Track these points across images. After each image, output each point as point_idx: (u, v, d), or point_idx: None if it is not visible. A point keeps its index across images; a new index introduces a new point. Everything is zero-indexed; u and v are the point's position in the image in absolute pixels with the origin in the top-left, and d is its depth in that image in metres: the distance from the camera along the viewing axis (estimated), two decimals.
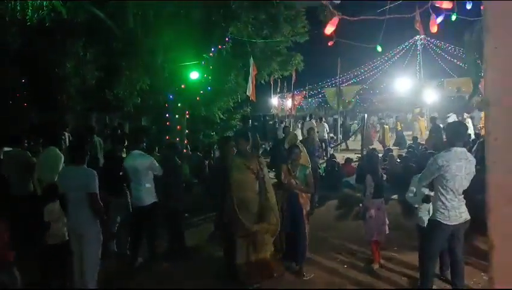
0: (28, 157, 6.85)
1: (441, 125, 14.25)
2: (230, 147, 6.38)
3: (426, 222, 4.73)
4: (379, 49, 3.94)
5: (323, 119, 18.93)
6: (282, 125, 19.75)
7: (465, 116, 17.59)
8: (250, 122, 12.82)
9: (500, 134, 1.25)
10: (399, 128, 19.70)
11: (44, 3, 7.83)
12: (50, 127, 10.10)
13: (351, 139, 20.84)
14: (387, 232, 5.87)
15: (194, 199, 9.45)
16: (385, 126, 20.21)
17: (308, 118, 18.01)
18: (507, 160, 1.24)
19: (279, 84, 22.98)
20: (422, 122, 20.86)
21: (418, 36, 25.81)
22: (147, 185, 6.13)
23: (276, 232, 5.47)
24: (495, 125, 1.26)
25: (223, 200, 5.75)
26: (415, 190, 5.04)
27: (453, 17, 4.22)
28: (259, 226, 5.33)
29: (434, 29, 5.20)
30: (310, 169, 5.90)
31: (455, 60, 25.18)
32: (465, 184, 4.28)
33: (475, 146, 9.66)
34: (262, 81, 17.76)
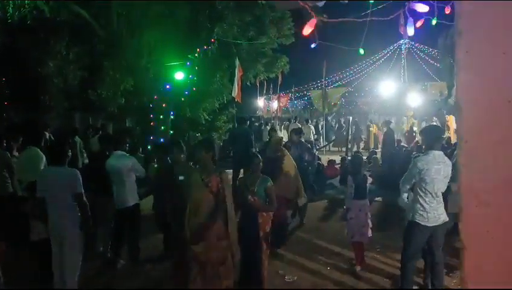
0: (7, 158, 6.72)
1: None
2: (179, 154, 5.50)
3: None
4: (361, 52, 3.97)
5: (310, 121, 19.01)
6: (268, 127, 19.78)
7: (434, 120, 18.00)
8: (248, 123, 12.69)
9: (470, 137, 1.27)
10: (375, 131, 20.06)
11: (26, 1, 7.71)
12: (31, 127, 9.93)
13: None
14: (370, 234, 5.90)
15: None
16: (371, 129, 20.43)
17: (293, 120, 18.07)
18: (477, 162, 1.26)
19: (265, 86, 23.01)
20: (375, 128, 21.30)
21: (402, 40, 26.14)
22: (130, 186, 6.07)
23: (225, 259, 4.34)
24: (466, 129, 1.28)
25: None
26: (407, 194, 5.06)
27: (433, 22, 4.28)
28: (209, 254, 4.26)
29: (411, 32, 5.28)
30: (271, 182, 5.01)
31: (438, 64, 25.51)
32: (443, 187, 4.37)
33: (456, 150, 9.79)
34: (248, 83, 17.78)
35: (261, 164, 5.03)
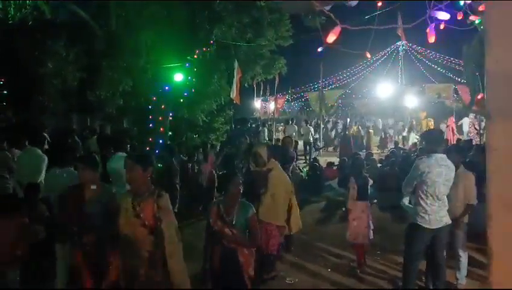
0: (8, 159, 6.69)
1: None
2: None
3: None
4: (368, 55, 3.97)
5: (309, 123, 19.06)
6: (265, 128, 19.79)
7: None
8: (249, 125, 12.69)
9: (500, 145, 1.29)
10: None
11: (27, 2, 7.69)
12: (30, 127, 9.90)
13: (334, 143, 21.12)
14: (371, 236, 5.92)
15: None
16: (370, 130, 20.50)
17: (290, 122, 18.09)
18: (507, 170, 1.28)
19: (262, 88, 23.00)
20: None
21: (399, 42, 26.23)
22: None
23: None
24: (495, 137, 1.31)
25: None
26: (408, 197, 5.08)
27: (441, 26, 4.31)
28: None
29: (432, 39, 5.29)
30: (253, 209, 3.92)
31: (436, 66, 25.67)
32: (444, 190, 4.39)
33: (472, 150, 9.91)
34: (246, 84, 17.77)
35: (241, 186, 3.89)
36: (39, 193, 4.93)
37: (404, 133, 20.35)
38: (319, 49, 3.12)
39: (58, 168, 4.93)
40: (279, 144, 10.64)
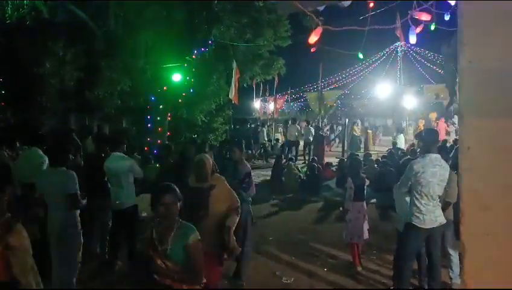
0: (4, 158, 6.70)
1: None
2: None
3: None
4: (361, 56, 3.98)
5: (310, 123, 19.10)
6: (265, 129, 19.84)
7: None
8: (249, 125, 12.72)
9: (472, 143, 1.33)
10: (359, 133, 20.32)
11: (25, 2, 7.72)
12: (27, 127, 9.91)
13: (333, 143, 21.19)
14: (367, 236, 5.96)
15: None
16: (368, 131, 20.54)
17: (290, 122, 18.11)
18: (479, 168, 1.32)
19: (261, 88, 23.07)
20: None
21: (398, 43, 26.26)
22: (128, 188, 6.07)
23: None
24: (468, 135, 1.34)
25: None
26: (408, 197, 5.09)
27: (432, 27, 4.32)
28: None
29: (413, 40, 5.31)
30: (196, 234, 3.08)
31: (434, 67, 25.72)
32: (439, 190, 4.42)
33: (452, 152, 9.87)
34: (245, 85, 17.82)
35: (179, 203, 3.07)
36: (35, 193, 4.95)
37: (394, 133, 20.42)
38: (312, 50, 3.16)
39: (51, 168, 4.96)
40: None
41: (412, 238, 4.59)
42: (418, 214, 4.44)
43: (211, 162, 4.49)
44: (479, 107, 1.33)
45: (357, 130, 19.98)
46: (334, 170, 12.78)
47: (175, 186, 3.15)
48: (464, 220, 1.34)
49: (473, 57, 1.32)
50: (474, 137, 1.34)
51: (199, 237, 3.09)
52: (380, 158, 12.58)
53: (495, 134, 1.31)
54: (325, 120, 24.57)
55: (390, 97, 24.09)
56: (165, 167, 6.74)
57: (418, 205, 4.44)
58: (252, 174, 5.75)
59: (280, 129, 22.69)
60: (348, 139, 18.51)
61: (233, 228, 4.24)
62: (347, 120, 19.54)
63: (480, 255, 1.31)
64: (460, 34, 1.32)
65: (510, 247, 1.26)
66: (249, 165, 5.85)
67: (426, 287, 5.00)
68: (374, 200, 9.42)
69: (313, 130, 17.86)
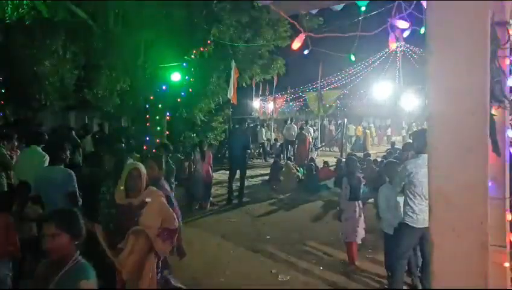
0: (2, 155, 6.75)
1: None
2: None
3: None
4: (352, 58, 4.03)
5: (309, 123, 19.18)
6: (264, 129, 19.86)
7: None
8: (246, 125, 12.75)
9: (439, 144, 1.41)
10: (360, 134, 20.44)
11: (25, 1, 7.76)
12: (30, 125, 9.97)
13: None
14: (363, 235, 6.01)
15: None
16: (367, 131, 20.60)
17: (289, 121, 18.16)
18: (446, 168, 1.40)
19: (260, 88, 23.08)
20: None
21: (397, 43, 26.27)
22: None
23: None
24: (435, 136, 1.43)
25: None
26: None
27: (422, 30, 4.34)
28: None
29: (393, 46, 5.34)
30: (88, 282, 2.46)
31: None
32: None
33: None
34: (244, 84, 17.83)
35: (68, 235, 2.47)
36: (30, 191, 4.97)
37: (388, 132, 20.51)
38: (305, 52, 3.20)
39: (50, 166, 5.00)
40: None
41: (405, 237, 4.65)
42: (411, 214, 4.52)
43: (144, 173, 3.70)
44: (445, 112, 1.41)
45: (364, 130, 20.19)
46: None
47: (67, 213, 2.58)
48: (432, 216, 1.41)
49: (439, 64, 1.41)
50: (441, 138, 1.42)
51: (94, 286, 2.46)
52: (377, 158, 12.62)
53: (459, 136, 1.38)
54: (326, 119, 24.61)
55: (389, 97, 24.17)
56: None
57: (411, 204, 4.51)
58: (173, 199, 4.61)
59: (274, 128, 22.65)
60: (346, 138, 18.60)
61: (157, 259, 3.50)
62: (346, 120, 19.59)
63: (447, 249, 1.37)
64: (427, 41, 1.40)
65: (473, 242, 1.33)
66: (167, 187, 4.73)
67: (420, 286, 5.06)
68: (371, 200, 9.46)
69: (311, 130, 17.92)
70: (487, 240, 1.32)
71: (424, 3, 1.78)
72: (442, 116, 1.41)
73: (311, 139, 17.77)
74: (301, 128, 16.17)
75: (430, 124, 1.45)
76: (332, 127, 22.75)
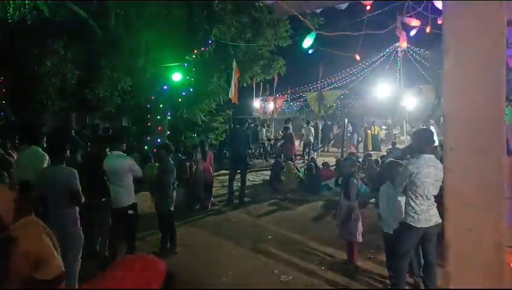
0: (3, 155, 6.74)
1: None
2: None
3: None
4: (357, 58, 4.00)
5: (310, 123, 19.15)
6: (265, 129, 19.84)
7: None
8: (247, 125, 12.75)
9: (455, 144, 1.40)
10: (376, 133, 20.33)
11: (26, 2, 7.75)
12: (30, 125, 9.95)
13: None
14: (359, 234, 6.02)
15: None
16: (368, 131, 20.56)
17: (289, 121, 18.11)
18: (461, 168, 1.39)
19: (261, 87, 23.06)
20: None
21: (398, 43, 26.22)
22: (127, 186, 6.12)
23: None
24: (451, 137, 1.42)
25: None
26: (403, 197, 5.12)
27: (427, 29, 4.33)
28: None
29: (404, 45, 5.33)
30: None
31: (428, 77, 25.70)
32: (434, 190, 4.45)
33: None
34: (245, 84, 17.82)
35: None
36: (31, 191, 4.96)
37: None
38: (310, 51, 3.18)
39: (52, 166, 4.99)
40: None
41: (406, 237, 4.63)
42: (412, 214, 4.49)
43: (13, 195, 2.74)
44: (461, 112, 1.40)
45: (376, 130, 20.21)
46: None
47: None
48: (447, 216, 1.39)
49: (457, 62, 1.39)
50: (457, 139, 1.42)
51: None
52: (379, 158, 12.59)
53: (475, 137, 1.38)
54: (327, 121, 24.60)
55: (390, 97, 24.13)
56: (163, 166, 6.71)
57: (413, 205, 4.49)
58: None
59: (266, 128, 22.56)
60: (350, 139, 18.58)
61: None
62: (346, 120, 19.57)
63: (462, 247, 1.37)
64: (445, 42, 1.39)
65: (489, 242, 1.32)
66: None
67: (422, 286, 5.04)
68: (373, 200, 9.44)
69: (313, 130, 17.88)
70: (502, 240, 1.31)
71: (436, 3, 1.77)
72: (457, 116, 1.41)
73: (312, 139, 17.75)
74: (286, 128, 16.11)
75: (445, 124, 1.44)
76: (338, 129, 22.70)
